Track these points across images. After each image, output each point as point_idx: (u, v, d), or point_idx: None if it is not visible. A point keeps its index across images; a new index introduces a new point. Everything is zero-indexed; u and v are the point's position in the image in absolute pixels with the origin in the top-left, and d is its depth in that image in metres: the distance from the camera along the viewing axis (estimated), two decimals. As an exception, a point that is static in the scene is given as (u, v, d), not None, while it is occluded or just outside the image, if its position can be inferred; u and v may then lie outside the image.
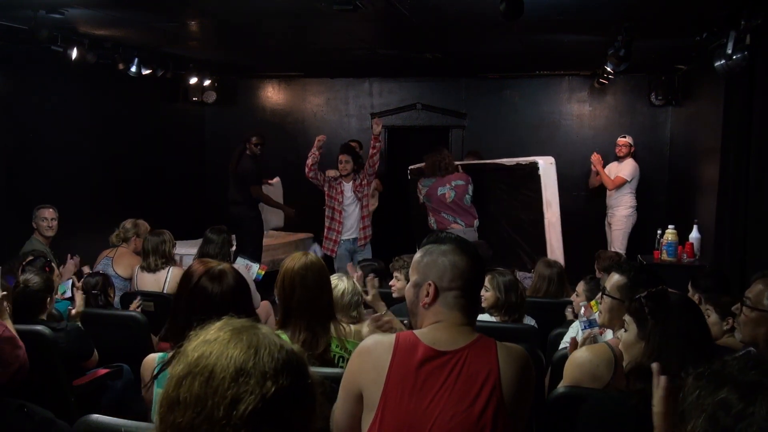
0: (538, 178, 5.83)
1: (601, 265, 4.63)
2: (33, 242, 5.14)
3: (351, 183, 6.23)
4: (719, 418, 1.12)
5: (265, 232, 7.19)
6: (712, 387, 1.16)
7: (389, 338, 1.76)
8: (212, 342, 1.12)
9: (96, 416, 1.97)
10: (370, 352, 1.76)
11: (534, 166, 5.88)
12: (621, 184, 7.01)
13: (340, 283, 3.12)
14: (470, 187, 6.05)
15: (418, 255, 1.88)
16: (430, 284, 1.80)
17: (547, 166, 5.81)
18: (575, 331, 3.14)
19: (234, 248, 5.18)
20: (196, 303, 2.11)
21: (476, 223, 6.05)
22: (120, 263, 4.92)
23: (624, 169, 7.07)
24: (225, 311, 1.97)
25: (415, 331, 1.80)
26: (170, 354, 2.17)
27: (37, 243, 5.13)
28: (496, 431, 1.66)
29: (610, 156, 8.00)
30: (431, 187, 6.04)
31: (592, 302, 3.08)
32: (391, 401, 1.68)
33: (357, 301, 3.17)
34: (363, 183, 6.19)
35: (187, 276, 2.17)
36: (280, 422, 1.08)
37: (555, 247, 5.67)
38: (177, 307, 2.17)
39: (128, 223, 5.12)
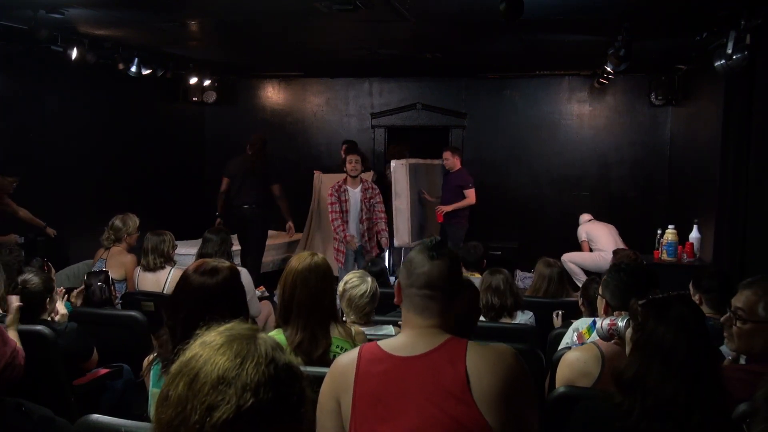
0: (390, 174, 7.20)
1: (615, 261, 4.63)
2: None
3: (359, 188, 6.14)
4: None
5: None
6: None
7: (353, 352, 1.77)
8: (207, 345, 1.12)
9: (96, 416, 1.97)
10: (336, 367, 1.77)
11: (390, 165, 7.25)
12: None
13: (363, 284, 3.12)
14: None
15: None
16: (398, 284, 1.83)
17: (397, 166, 7.09)
18: (574, 331, 3.13)
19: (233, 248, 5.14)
20: (185, 296, 2.12)
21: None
22: (112, 264, 4.77)
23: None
24: (215, 306, 2.01)
25: (379, 342, 1.79)
26: (155, 354, 2.19)
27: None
28: None
29: (609, 155, 8.04)
30: None
31: (584, 329, 3.08)
32: (359, 415, 1.66)
33: (373, 308, 3.17)
34: (373, 201, 6.13)
35: (183, 273, 2.19)
36: None
37: (401, 229, 7.02)
38: (170, 302, 2.18)
39: (118, 221, 4.93)
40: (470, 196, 7.05)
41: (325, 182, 7.39)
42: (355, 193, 6.16)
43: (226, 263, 2.23)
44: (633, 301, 1.99)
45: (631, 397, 1.77)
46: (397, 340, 1.77)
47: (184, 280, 2.15)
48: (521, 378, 1.67)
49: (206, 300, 2.08)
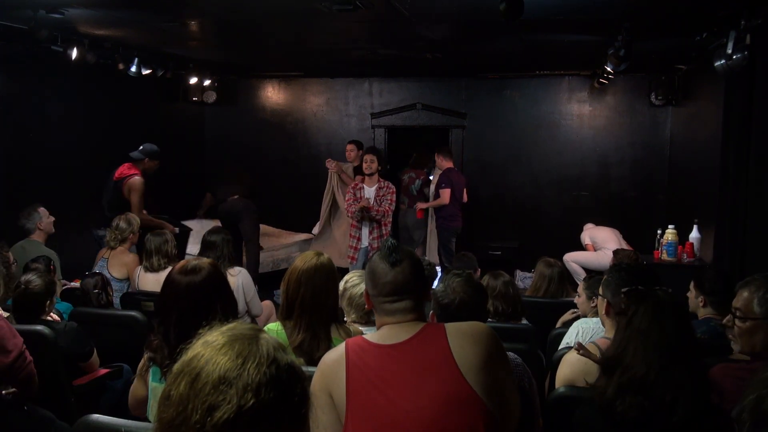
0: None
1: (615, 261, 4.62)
2: (36, 244, 5.01)
3: (375, 187, 6.17)
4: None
5: None
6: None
7: (339, 347, 1.84)
8: (209, 344, 1.13)
9: (96, 416, 1.97)
10: (325, 363, 1.83)
11: None
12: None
13: (363, 283, 3.12)
14: (417, 182, 7.66)
15: None
16: (366, 291, 1.93)
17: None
18: (575, 331, 3.13)
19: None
20: (175, 298, 2.15)
21: (415, 206, 7.55)
22: (114, 264, 4.84)
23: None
24: (205, 304, 2.04)
25: (363, 336, 1.89)
26: (147, 355, 2.20)
27: (39, 244, 5.03)
28: (468, 408, 1.67)
29: (609, 155, 8.04)
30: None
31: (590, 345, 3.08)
32: (355, 404, 1.71)
33: None
34: (384, 200, 6.12)
35: (167, 277, 2.23)
36: None
37: (432, 249, 7.66)
38: (160, 307, 2.20)
39: (122, 222, 4.97)
40: (443, 196, 7.09)
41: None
42: (369, 191, 6.21)
43: (206, 260, 2.26)
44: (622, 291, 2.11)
45: (610, 377, 1.89)
46: (379, 333, 1.86)
47: (170, 284, 2.17)
48: (499, 348, 1.81)
49: (196, 298, 2.12)
